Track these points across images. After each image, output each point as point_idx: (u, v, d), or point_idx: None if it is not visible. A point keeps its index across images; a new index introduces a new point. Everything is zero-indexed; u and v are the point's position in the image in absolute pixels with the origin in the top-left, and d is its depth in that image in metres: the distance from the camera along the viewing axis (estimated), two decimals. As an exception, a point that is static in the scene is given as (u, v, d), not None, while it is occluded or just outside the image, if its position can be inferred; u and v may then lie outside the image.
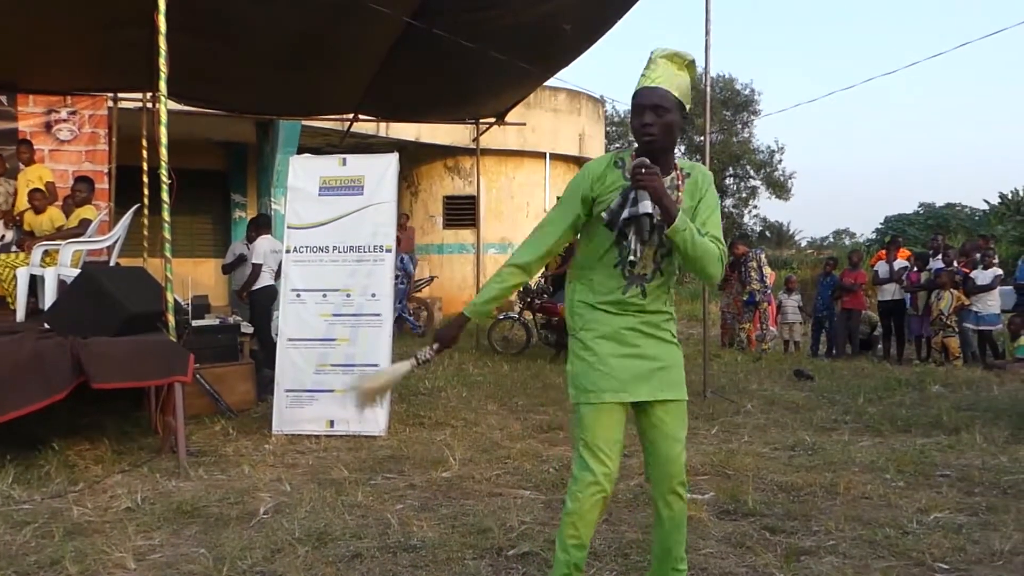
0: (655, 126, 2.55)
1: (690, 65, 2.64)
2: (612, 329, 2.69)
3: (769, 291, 12.29)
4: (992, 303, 10.59)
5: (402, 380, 2.96)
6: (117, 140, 9.52)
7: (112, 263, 7.49)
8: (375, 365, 6.22)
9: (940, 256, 11.49)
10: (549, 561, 3.48)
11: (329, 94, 9.39)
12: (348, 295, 6.37)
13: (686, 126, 2.51)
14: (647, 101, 2.56)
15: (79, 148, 9.42)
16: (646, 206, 2.53)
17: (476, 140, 12.05)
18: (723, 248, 2.61)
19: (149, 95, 8.82)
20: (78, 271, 6.49)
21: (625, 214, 2.57)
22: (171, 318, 5.58)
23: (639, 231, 2.59)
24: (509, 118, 11.05)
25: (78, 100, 9.39)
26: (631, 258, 2.64)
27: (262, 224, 8.75)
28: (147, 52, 6.52)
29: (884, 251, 12.31)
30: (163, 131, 5.44)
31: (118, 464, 5.20)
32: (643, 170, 2.52)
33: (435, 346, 2.80)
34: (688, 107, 2.64)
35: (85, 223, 7.44)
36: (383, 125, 14.11)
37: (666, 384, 2.69)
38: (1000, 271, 10.84)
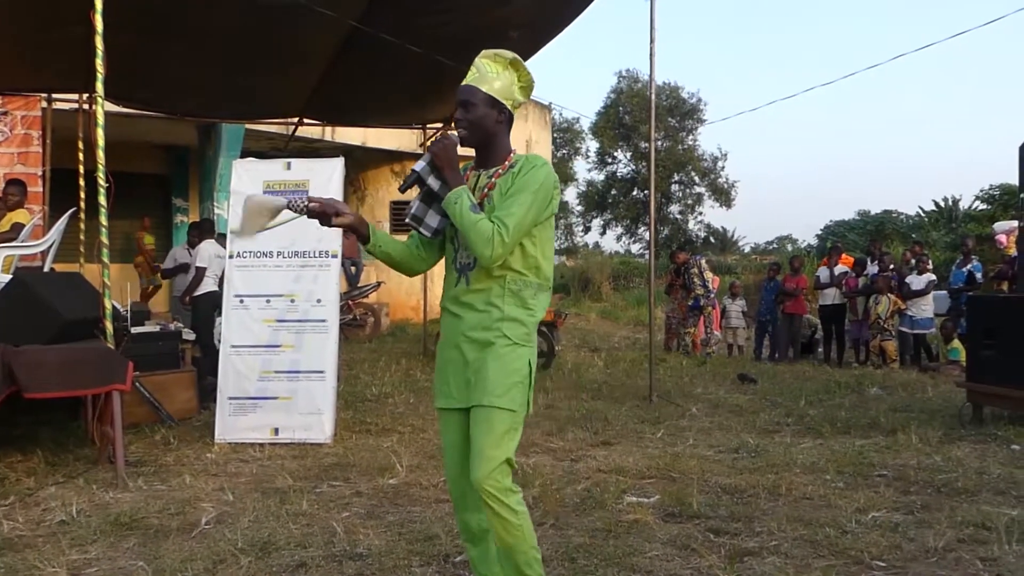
0: (463, 121, 2.67)
1: (513, 63, 2.70)
2: (447, 333, 2.76)
3: (713, 296, 12.51)
4: (926, 308, 10.92)
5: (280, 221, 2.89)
6: (52, 142, 9.24)
7: (46, 268, 7.27)
8: (321, 372, 6.16)
9: (876, 262, 11.82)
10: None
11: (274, 97, 9.26)
12: (292, 301, 6.28)
13: (501, 120, 2.67)
14: (457, 98, 2.68)
15: (11, 150, 9.12)
16: (419, 165, 2.66)
17: (423, 145, 12.00)
18: (502, 229, 2.51)
19: (85, 96, 8.60)
20: (10, 277, 6.28)
21: (411, 173, 2.69)
22: (109, 325, 5.43)
23: (423, 196, 2.71)
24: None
25: (9, 101, 9.09)
26: (408, 213, 2.73)
27: (206, 229, 8.61)
28: (83, 52, 6.35)
29: (826, 259, 12.60)
30: (100, 133, 5.29)
31: (52, 476, 5.04)
32: (440, 136, 2.64)
33: (312, 204, 2.66)
34: (512, 103, 2.70)
35: (17, 227, 7.20)
36: (329, 129, 13.96)
37: (479, 390, 2.61)
38: (934, 277, 11.19)
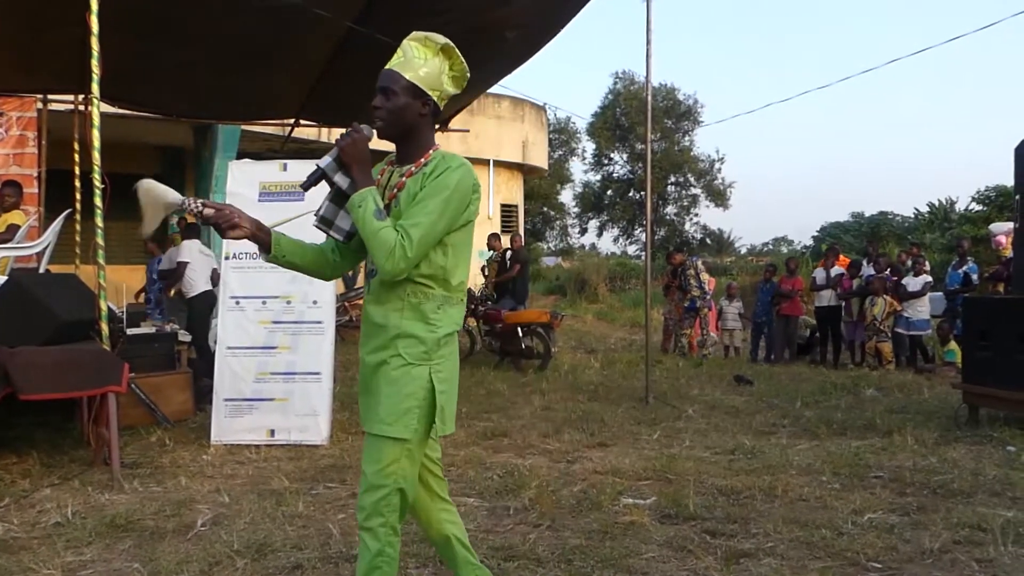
0: (382, 109, 2.42)
1: (445, 49, 2.46)
2: (361, 353, 2.53)
3: (709, 297, 12.53)
4: (922, 309, 10.94)
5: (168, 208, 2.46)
6: (48, 143, 9.22)
7: (42, 270, 7.25)
8: (317, 373, 6.15)
9: (872, 263, 11.84)
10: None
11: (270, 99, 9.25)
12: (288, 302, 6.27)
13: (424, 112, 2.39)
14: (378, 83, 2.42)
15: (6, 151, 9.09)
16: (324, 160, 2.43)
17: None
18: (406, 241, 2.27)
19: (81, 97, 8.58)
20: (5, 278, 6.27)
21: (314, 170, 2.45)
22: (105, 326, 5.42)
23: (332, 195, 2.50)
24: (452, 125, 11.02)
25: (5, 102, 9.06)
26: (316, 214, 2.52)
27: (191, 229, 8.66)
28: (79, 53, 6.34)
29: (823, 260, 12.63)
30: (96, 134, 5.29)
31: (47, 478, 5.02)
32: (348, 129, 2.40)
33: (207, 210, 2.38)
34: (439, 94, 2.46)
35: (13, 228, 7.19)
36: (325, 130, 13.95)
37: (372, 414, 2.43)
38: (930, 278, 11.21)
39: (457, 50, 2.47)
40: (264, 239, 2.47)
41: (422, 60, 2.42)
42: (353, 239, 2.55)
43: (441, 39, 2.46)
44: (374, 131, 2.43)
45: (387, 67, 2.42)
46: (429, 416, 2.40)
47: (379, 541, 2.39)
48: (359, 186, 2.37)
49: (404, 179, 2.43)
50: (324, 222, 2.52)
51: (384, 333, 2.41)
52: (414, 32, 2.47)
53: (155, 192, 2.43)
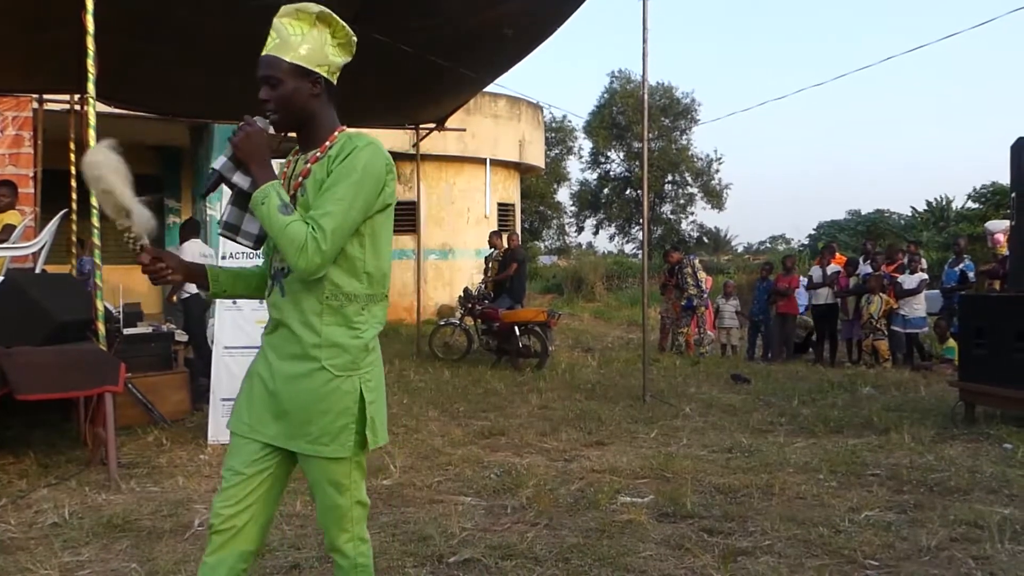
0: (270, 101, 2.18)
1: (322, 17, 2.18)
2: (263, 344, 2.30)
3: (706, 296, 12.54)
4: (918, 307, 10.96)
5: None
6: (44, 143, 9.21)
7: (38, 270, 7.24)
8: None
9: (869, 261, 11.85)
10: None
11: (266, 98, 9.24)
12: (286, 302, 6.26)
13: (316, 92, 2.10)
14: (258, 73, 2.19)
15: (2, 151, 9.08)
16: (218, 161, 2.19)
17: (416, 146, 12.00)
18: (318, 234, 2.05)
19: (77, 97, 8.57)
20: (1, 278, 6.25)
21: (210, 172, 2.22)
22: (101, 326, 5.41)
23: (235, 198, 2.26)
24: (449, 123, 11.04)
25: (1, 102, 9.06)
26: (220, 222, 2.31)
27: (191, 229, 8.62)
28: (75, 53, 6.33)
29: (819, 258, 12.63)
30: (92, 134, 5.28)
31: (44, 478, 5.01)
32: (241, 124, 2.19)
33: (144, 257, 2.17)
34: (327, 68, 2.21)
35: (8, 228, 7.17)
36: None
37: (293, 432, 2.18)
38: (926, 276, 11.23)
39: (335, 15, 2.20)
40: (201, 281, 2.34)
41: (299, 36, 2.16)
42: (262, 245, 2.34)
43: (314, 7, 2.18)
44: (269, 122, 2.21)
45: (264, 52, 2.17)
46: (359, 431, 2.19)
47: (349, 557, 2.29)
48: (260, 182, 2.13)
49: (309, 165, 2.20)
50: (229, 228, 2.29)
51: (301, 341, 2.15)
52: (283, 7, 2.19)
53: (109, 164, 2.13)
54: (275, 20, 2.18)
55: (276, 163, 2.23)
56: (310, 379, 2.14)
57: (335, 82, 2.25)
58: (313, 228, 2.05)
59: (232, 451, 2.28)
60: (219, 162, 2.19)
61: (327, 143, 2.20)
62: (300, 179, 2.20)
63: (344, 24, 2.21)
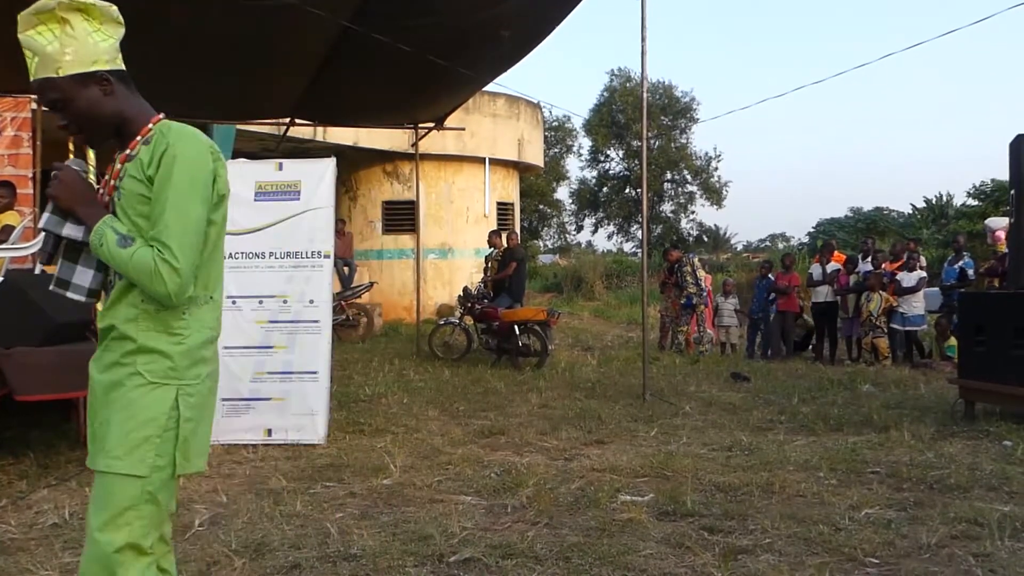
0: (70, 124, 2.00)
1: (62, 7, 1.90)
2: (92, 372, 2.08)
3: (705, 294, 12.54)
4: (917, 304, 10.96)
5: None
6: (42, 144, 9.20)
7: (37, 271, 7.23)
8: (314, 372, 6.14)
9: (869, 259, 11.85)
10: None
11: (265, 98, 9.24)
12: (285, 301, 6.27)
13: (107, 91, 1.85)
14: (40, 100, 2.03)
15: (1, 152, 9.08)
16: (45, 219, 2.02)
17: (415, 145, 12.00)
18: (165, 254, 1.89)
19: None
20: (1, 279, 6.25)
21: (42, 236, 2.07)
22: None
23: (66, 252, 2.07)
24: (448, 123, 11.03)
25: (-1, 102, 9.05)
26: (53, 280, 2.10)
27: None
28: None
29: (818, 256, 12.63)
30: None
31: (44, 478, 5.01)
32: (52, 172, 2.00)
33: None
34: (105, 60, 1.97)
35: (8, 229, 7.17)
36: (320, 129, 13.95)
37: (97, 447, 1.97)
38: (924, 274, 11.23)
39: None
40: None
41: (56, 43, 1.91)
42: (96, 297, 2.12)
43: (51, 2, 1.90)
44: (83, 160, 2.06)
45: (32, 79, 1.95)
46: (168, 450, 1.95)
47: None
48: (90, 223, 1.94)
49: (119, 165, 2.01)
50: (60, 284, 2.09)
51: (119, 347, 1.97)
52: (20, 16, 1.93)
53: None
54: (20, 36, 1.93)
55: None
56: (122, 385, 1.94)
57: (123, 66, 2.02)
58: (158, 249, 1.90)
59: None
60: (45, 220, 2.02)
61: (139, 137, 2.00)
62: (113, 182, 2.01)
63: (95, 3, 1.95)
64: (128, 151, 1.99)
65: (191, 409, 1.99)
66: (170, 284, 1.90)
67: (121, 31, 2.04)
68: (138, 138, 2.00)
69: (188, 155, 1.94)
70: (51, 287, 2.10)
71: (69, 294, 2.09)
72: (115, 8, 2.00)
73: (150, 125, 2.01)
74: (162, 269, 1.89)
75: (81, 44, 1.92)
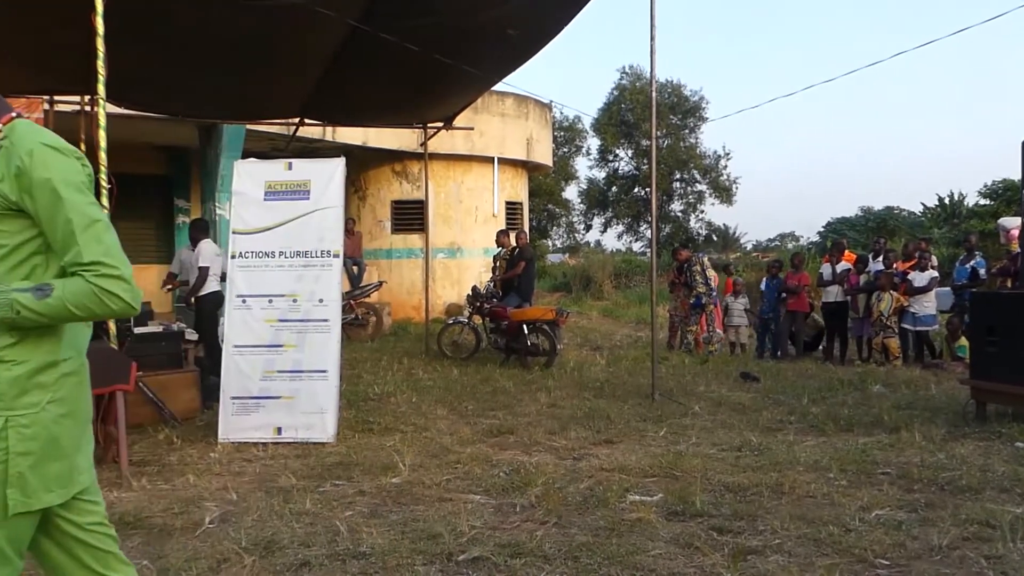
0: None
1: None
2: None
3: (715, 294, 12.51)
4: (928, 304, 10.89)
5: None
6: (55, 144, 9.25)
7: None
8: (323, 371, 6.16)
9: (880, 258, 11.79)
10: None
11: (274, 98, 9.26)
12: (295, 300, 6.29)
13: None
14: None
15: (14, 152, 9.15)
16: None
17: (424, 144, 12.01)
18: (105, 270, 1.78)
19: (87, 98, 8.60)
20: None
21: None
22: (112, 325, 5.44)
23: None
24: (457, 122, 11.04)
25: (11, 103, 9.10)
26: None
27: (201, 229, 8.63)
28: (84, 54, 6.36)
29: (828, 256, 12.58)
30: (102, 135, 5.31)
31: None
32: None
33: None
34: None
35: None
36: (329, 129, 13.96)
37: None
38: (936, 273, 11.16)
39: None
40: None
41: None
42: None
43: None
44: None
45: None
46: (3, 487, 1.74)
47: None
48: None
49: None
50: None
51: None
52: None
53: None
54: None
55: None
56: None
57: None
58: (88, 270, 1.77)
59: None
60: None
61: None
62: None
63: None
64: None
65: (25, 442, 1.76)
66: (124, 294, 1.79)
67: None
68: None
69: (54, 164, 1.82)
70: None
71: None
72: None
73: (1, 126, 1.87)
74: (106, 285, 1.77)
75: None
